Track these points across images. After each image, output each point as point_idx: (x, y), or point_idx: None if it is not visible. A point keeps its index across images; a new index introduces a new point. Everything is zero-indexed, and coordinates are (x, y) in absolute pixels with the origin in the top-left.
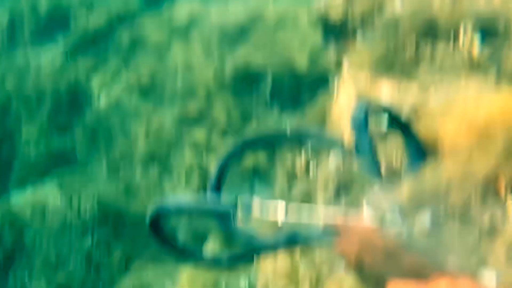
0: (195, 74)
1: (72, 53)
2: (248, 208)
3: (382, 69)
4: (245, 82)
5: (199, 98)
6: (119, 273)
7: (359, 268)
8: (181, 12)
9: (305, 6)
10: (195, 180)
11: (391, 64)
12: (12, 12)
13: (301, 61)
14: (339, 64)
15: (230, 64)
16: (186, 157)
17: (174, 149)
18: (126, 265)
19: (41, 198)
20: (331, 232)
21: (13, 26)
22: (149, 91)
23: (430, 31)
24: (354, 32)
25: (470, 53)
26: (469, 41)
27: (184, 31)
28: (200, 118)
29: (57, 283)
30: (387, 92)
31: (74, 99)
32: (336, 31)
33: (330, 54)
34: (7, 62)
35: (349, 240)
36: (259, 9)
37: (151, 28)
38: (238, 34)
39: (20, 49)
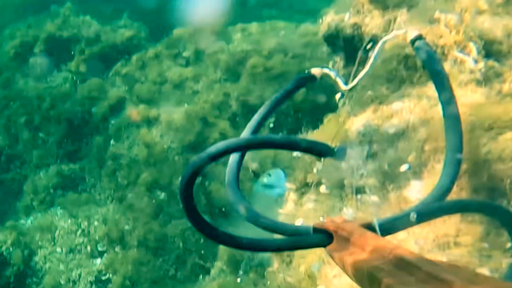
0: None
1: (79, 82)
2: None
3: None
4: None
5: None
6: None
7: (351, 270)
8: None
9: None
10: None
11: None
12: (21, 42)
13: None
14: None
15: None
16: None
17: (178, 175)
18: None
19: (50, 221)
20: (324, 235)
21: (21, 56)
22: (153, 119)
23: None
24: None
25: (475, 69)
26: (474, 58)
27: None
28: (199, 145)
29: None
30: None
31: (82, 126)
32: (347, 49)
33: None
34: (16, 91)
35: (341, 243)
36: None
37: (152, 58)
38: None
39: (28, 78)
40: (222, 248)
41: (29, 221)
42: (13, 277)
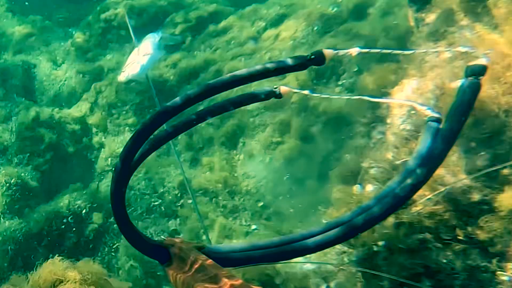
0: None
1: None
2: None
3: None
4: None
5: None
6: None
7: (180, 286)
8: None
9: None
10: None
11: None
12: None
13: None
14: None
15: None
16: None
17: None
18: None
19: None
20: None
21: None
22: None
23: None
24: None
25: None
26: None
27: None
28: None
29: (143, 259)
30: None
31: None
32: None
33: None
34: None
35: (176, 261)
36: None
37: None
38: None
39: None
40: None
41: (104, 185)
42: (92, 235)
